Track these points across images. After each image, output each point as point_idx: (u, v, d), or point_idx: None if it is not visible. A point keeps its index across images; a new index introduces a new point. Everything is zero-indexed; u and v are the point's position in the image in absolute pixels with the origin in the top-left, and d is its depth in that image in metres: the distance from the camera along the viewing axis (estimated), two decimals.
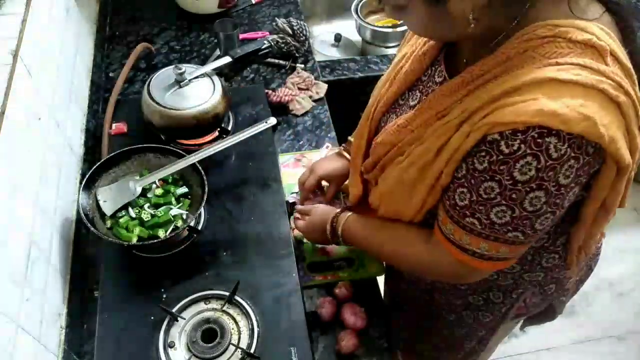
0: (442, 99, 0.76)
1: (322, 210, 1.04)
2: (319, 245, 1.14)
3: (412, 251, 0.88)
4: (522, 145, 0.63)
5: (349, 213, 0.99)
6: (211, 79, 1.20)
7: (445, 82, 0.79)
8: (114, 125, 1.26)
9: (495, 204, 0.69)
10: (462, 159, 0.72)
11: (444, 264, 0.82)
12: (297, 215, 1.10)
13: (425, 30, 0.76)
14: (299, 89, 1.44)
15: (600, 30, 0.65)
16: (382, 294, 1.18)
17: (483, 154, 0.68)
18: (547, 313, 1.11)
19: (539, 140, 0.62)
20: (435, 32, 0.75)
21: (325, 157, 1.22)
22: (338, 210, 1.01)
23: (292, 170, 1.27)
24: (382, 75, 0.97)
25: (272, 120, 1.16)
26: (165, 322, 0.96)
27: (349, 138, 1.14)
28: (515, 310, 1.03)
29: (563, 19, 0.65)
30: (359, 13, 1.85)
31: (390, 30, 1.80)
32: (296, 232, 1.15)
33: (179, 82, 1.16)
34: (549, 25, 0.65)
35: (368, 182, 0.98)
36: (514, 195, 0.67)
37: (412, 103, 0.86)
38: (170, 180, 1.11)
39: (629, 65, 0.66)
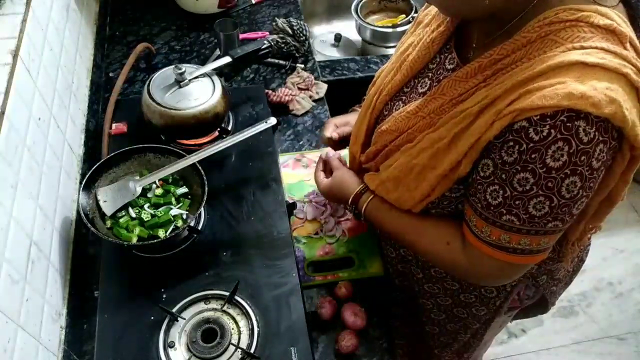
0: (457, 84, 0.75)
1: (343, 178, 0.99)
2: (319, 245, 1.14)
3: (444, 249, 0.84)
4: (552, 131, 0.63)
5: (371, 196, 0.93)
6: (211, 79, 1.20)
7: (458, 68, 0.78)
8: (114, 125, 1.26)
9: (532, 195, 0.68)
10: (486, 154, 0.71)
11: (484, 267, 0.80)
12: (321, 166, 1.06)
13: (445, 1, 0.73)
14: (299, 89, 1.44)
15: (618, 17, 0.66)
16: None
17: (511, 144, 0.67)
18: (539, 305, 1.11)
19: (568, 124, 0.62)
20: (455, 4, 0.72)
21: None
22: (358, 188, 0.95)
23: (292, 171, 1.27)
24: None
25: (272, 120, 1.16)
26: (165, 322, 0.96)
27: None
28: (509, 304, 1.03)
29: (583, 4, 0.66)
30: (359, 13, 1.85)
31: (390, 30, 1.80)
32: (296, 232, 1.16)
33: (179, 82, 1.16)
34: (571, 9, 0.65)
35: (365, 172, 0.97)
36: (549, 184, 0.66)
37: (421, 90, 0.84)
38: (170, 180, 1.11)
39: None
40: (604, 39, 0.64)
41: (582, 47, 0.63)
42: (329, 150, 1.09)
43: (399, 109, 0.86)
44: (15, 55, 0.91)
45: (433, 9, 0.87)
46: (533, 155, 0.65)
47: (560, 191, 0.67)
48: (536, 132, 0.64)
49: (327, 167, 1.06)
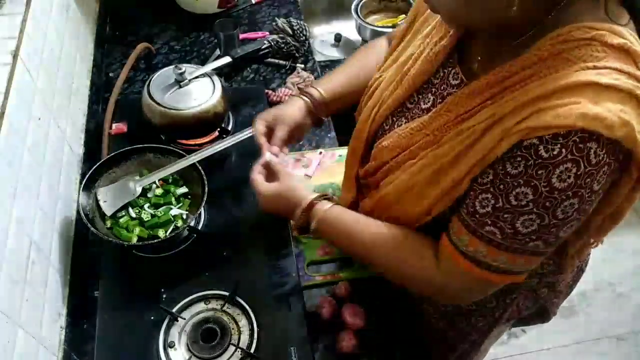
0: (464, 101, 0.73)
1: (294, 184, 0.90)
2: (319, 245, 1.14)
3: (417, 265, 0.80)
4: (563, 150, 0.61)
5: (330, 204, 0.87)
6: (211, 79, 1.20)
7: (463, 84, 0.76)
8: (114, 125, 1.26)
9: (525, 212, 0.66)
10: (489, 165, 0.69)
11: (457, 282, 0.77)
12: (259, 169, 0.94)
13: (458, 10, 0.68)
14: (299, 89, 1.44)
15: (631, 35, 0.64)
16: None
17: (518, 158, 0.64)
18: (540, 315, 1.10)
19: (580, 145, 0.60)
20: (469, 14, 0.67)
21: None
22: (315, 195, 0.88)
23: (292, 171, 1.27)
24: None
25: None
26: (165, 322, 0.96)
27: (319, 89, 1.02)
28: (508, 314, 1.03)
29: (597, 22, 0.64)
30: (359, 13, 1.85)
31: (390, 30, 1.80)
32: (296, 232, 1.15)
33: (179, 82, 1.17)
34: (585, 28, 0.64)
35: (363, 186, 0.96)
36: (547, 203, 0.64)
37: (424, 106, 0.82)
38: (170, 180, 1.11)
39: None
40: (617, 58, 0.62)
41: (595, 67, 0.62)
42: (272, 155, 0.95)
43: (402, 125, 0.84)
44: (15, 55, 0.91)
45: (431, 19, 0.85)
46: (539, 172, 0.63)
47: (555, 212, 0.65)
48: (546, 150, 0.62)
49: (269, 172, 0.95)
